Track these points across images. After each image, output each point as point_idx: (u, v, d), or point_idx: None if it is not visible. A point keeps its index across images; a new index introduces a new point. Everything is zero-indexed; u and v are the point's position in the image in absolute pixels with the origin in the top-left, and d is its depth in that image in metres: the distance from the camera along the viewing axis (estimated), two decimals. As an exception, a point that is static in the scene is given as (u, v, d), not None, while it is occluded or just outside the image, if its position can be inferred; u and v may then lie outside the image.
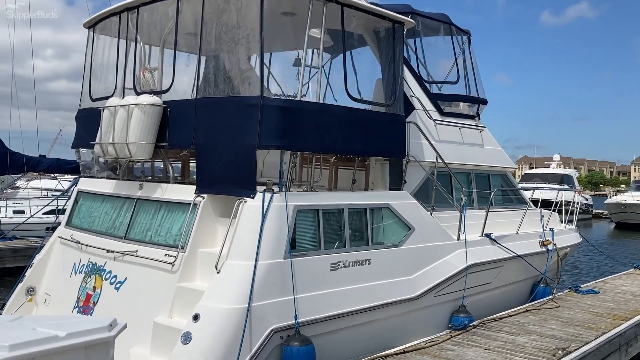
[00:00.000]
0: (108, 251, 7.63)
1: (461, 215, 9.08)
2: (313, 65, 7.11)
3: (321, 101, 7.25)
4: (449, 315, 8.91)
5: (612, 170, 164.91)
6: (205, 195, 7.00)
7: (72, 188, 9.64)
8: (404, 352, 7.16)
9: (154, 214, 7.52)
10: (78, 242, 8.23)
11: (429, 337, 7.82)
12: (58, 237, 8.83)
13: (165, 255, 6.97)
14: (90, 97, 8.96)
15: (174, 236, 7.11)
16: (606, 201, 40.59)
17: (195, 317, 6.12)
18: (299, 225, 6.86)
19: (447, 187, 9.32)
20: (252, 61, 10.34)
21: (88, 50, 9.20)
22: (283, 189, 6.69)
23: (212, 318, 6.09)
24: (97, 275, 7.74)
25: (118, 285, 7.37)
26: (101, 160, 8.83)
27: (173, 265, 6.81)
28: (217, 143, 6.87)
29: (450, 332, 8.05)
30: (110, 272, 7.57)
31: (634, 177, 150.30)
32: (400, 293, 7.88)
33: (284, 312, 6.49)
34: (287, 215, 6.64)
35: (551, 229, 11.83)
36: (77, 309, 7.79)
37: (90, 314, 7.54)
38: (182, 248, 6.86)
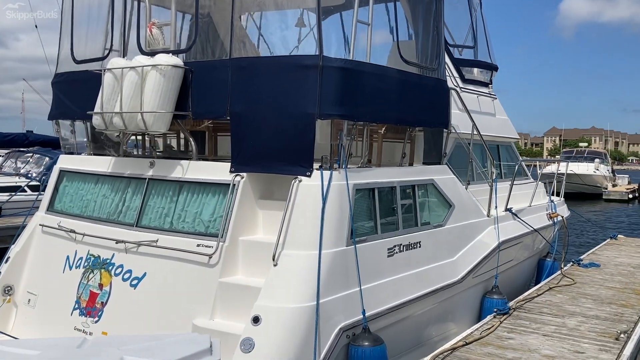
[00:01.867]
0: (117, 242, 6.41)
1: (491, 189, 8.45)
2: (362, 21, 6.10)
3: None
4: (480, 297, 8.33)
5: (526, 141, 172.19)
6: (244, 174, 5.93)
7: (51, 167, 8.20)
8: (466, 344, 6.46)
9: (173, 197, 6.37)
10: (72, 232, 6.94)
11: (478, 325, 7.16)
12: (39, 225, 7.45)
13: (199, 245, 5.87)
14: (74, 58, 7.55)
15: (206, 223, 6.01)
16: (543, 171, 41.94)
17: (256, 320, 5.13)
18: (357, 207, 5.95)
19: (467, 160, 8.60)
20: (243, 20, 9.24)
21: (67, 3, 7.73)
22: (340, 166, 5.74)
23: (276, 320, 5.12)
24: (102, 270, 6.52)
25: (135, 282, 6.20)
26: (89, 134, 7.51)
27: (211, 257, 5.74)
28: (261, 112, 5.79)
29: (497, 318, 7.43)
30: (121, 266, 6.38)
31: (547, 147, 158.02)
32: (446, 277, 7.17)
33: (349, 308, 5.60)
34: (349, 195, 5.71)
35: (552, 202, 11.51)
36: (78, 310, 6.55)
37: (99, 317, 6.34)
38: (221, 237, 5.79)
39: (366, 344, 5.51)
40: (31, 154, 18.75)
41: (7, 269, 7.30)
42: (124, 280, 6.30)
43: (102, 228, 6.74)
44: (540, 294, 8.80)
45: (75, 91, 7.45)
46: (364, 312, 5.61)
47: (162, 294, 5.98)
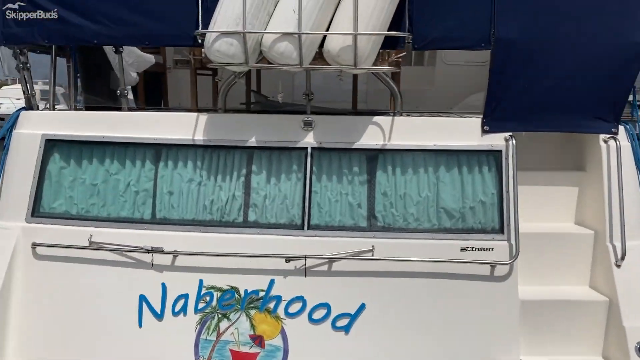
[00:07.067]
0: (288, 260, 3.74)
1: None
2: None
3: None
4: None
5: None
6: (513, 135, 3.93)
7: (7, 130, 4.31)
8: None
9: (363, 175, 3.95)
10: (151, 251, 3.84)
11: None
12: (32, 246, 3.98)
13: (465, 249, 3.77)
14: None
15: (456, 212, 3.86)
16: None
17: (643, 350, 3.50)
18: None
19: None
20: None
21: None
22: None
23: None
24: (252, 311, 3.78)
25: (343, 322, 3.74)
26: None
27: (495, 267, 3.73)
28: (552, 40, 3.82)
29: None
30: (299, 299, 3.78)
31: None
32: None
33: None
34: None
35: None
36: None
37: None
38: (501, 231, 3.80)
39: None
40: None
41: None
42: (315, 321, 3.74)
43: (218, 238, 3.87)
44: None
45: None
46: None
47: (410, 332, 3.71)
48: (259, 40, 3.57)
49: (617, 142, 3.89)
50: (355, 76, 5.01)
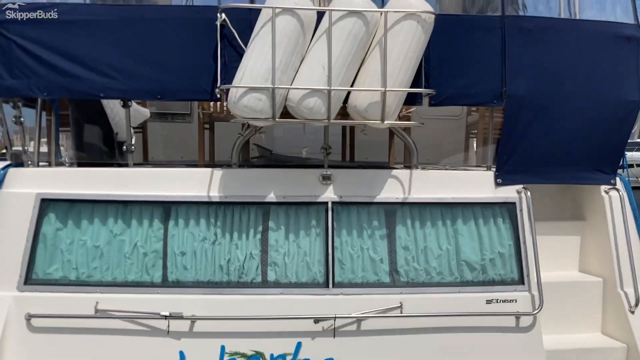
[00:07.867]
0: (316, 321, 3.60)
1: None
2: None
3: None
4: None
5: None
6: (526, 188, 4.04)
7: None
8: None
9: (383, 229, 3.92)
10: (169, 317, 3.58)
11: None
12: (26, 318, 3.60)
13: (491, 301, 3.79)
14: None
15: (476, 265, 3.88)
16: None
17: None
18: None
19: None
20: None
21: None
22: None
23: None
24: (279, 377, 3.59)
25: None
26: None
27: (519, 318, 3.77)
28: (557, 96, 4.01)
29: None
30: (329, 362, 3.62)
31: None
32: None
33: None
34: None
35: None
36: None
37: None
38: (522, 282, 3.86)
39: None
40: None
41: None
42: (347, 385, 3.59)
43: (237, 300, 3.68)
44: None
45: (73, 44, 3.80)
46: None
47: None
48: (284, 95, 3.52)
49: (620, 193, 4.10)
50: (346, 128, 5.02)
